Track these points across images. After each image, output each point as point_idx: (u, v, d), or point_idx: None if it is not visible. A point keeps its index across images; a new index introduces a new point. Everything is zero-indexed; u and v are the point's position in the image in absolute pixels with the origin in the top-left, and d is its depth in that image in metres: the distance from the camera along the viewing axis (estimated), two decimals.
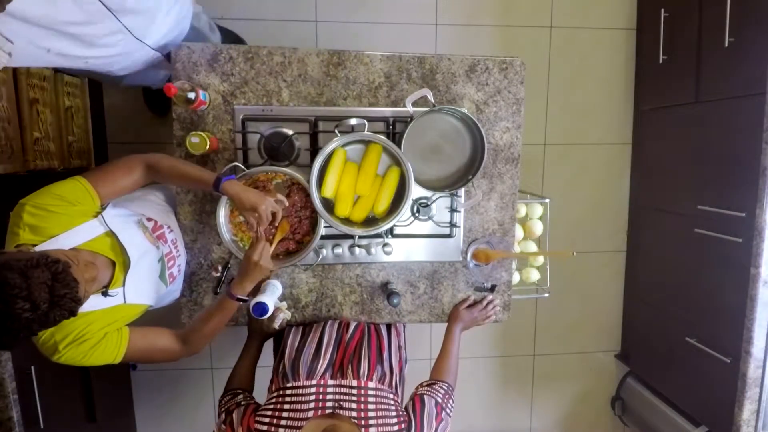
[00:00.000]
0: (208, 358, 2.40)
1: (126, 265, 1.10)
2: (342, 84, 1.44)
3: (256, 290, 1.36)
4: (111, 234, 1.09)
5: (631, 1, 2.41)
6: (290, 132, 1.42)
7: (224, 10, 2.19)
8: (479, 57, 1.48)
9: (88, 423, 1.84)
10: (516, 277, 1.71)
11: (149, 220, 1.26)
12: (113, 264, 1.08)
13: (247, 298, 1.22)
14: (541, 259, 1.76)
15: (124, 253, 1.10)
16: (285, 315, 1.41)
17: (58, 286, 0.84)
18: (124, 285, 1.10)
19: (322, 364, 1.22)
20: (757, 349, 1.67)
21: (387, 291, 1.51)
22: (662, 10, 2.07)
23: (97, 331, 1.04)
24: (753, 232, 1.65)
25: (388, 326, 1.52)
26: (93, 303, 1.04)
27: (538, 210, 1.74)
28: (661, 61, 2.12)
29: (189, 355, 1.22)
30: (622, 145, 2.52)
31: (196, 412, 2.45)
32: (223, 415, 1.19)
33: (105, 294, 1.06)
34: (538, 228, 1.73)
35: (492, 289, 1.57)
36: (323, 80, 1.43)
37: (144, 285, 1.18)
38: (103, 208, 1.11)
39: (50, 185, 1.05)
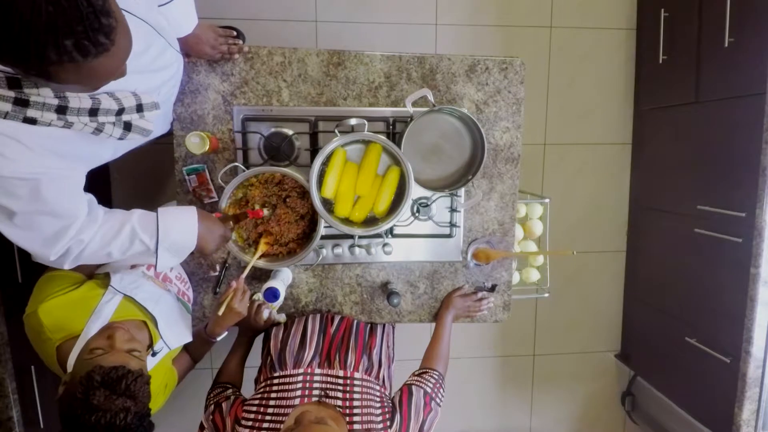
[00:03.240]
0: (209, 358, 2.37)
1: (154, 320, 1.16)
2: (342, 84, 1.44)
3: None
4: (128, 297, 1.14)
5: (631, 1, 2.41)
6: (290, 132, 1.42)
7: (224, 10, 2.19)
8: (479, 57, 1.48)
9: None
10: (516, 277, 1.71)
11: (149, 268, 1.28)
12: (144, 323, 1.13)
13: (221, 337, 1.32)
14: (541, 259, 1.76)
15: (146, 310, 1.15)
16: (275, 314, 1.42)
17: (136, 391, 0.92)
18: (162, 337, 1.16)
19: (309, 353, 1.24)
20: (757, 349, 1.67)
21: (387, 291, 1.52)
22: (662, 10, 2.07)
23: (160, 384, 1.17)
24: (753, 232, 1.65)
25: (375, 325, 1.51)
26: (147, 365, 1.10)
27: (538, 210, 1.74)
28: (661, 61, 2.11)
29: None
30: (622, 145, 2.51)
31: (196, 412, 2.42)
32: (212, 407, 1.20)
33: (154, 354, 1.13)
34: (538, 228, 1.73)
35: (492, 288, 1.57)
36: (323, 80, 1.43)
37: (178, 327, 1.24)
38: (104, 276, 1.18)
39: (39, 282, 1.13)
